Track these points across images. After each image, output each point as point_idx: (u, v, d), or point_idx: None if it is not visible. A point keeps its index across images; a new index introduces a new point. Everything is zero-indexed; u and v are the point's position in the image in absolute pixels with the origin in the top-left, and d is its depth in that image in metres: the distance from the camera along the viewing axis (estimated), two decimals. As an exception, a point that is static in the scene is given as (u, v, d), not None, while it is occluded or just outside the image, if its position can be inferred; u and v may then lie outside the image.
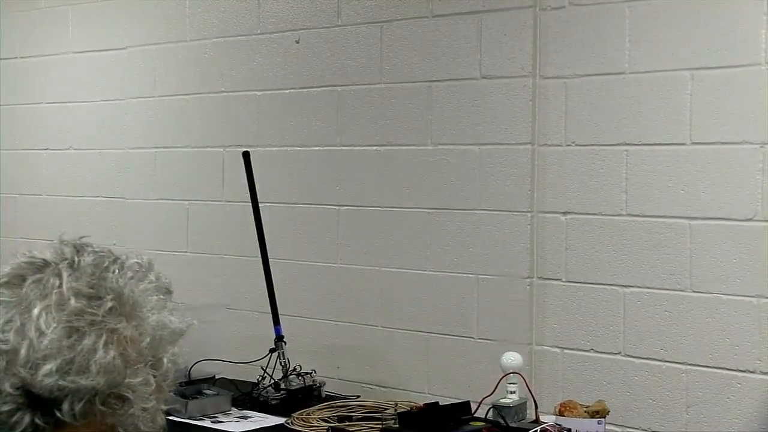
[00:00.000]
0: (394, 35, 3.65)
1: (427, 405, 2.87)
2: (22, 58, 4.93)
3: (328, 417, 3.03)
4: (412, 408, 2.98)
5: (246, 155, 3.55)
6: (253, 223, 3.53)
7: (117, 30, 4.50)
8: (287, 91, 3.95)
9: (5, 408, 1.22)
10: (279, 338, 3.40)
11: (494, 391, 2.84)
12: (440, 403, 2.89)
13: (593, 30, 3.25)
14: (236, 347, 3.63)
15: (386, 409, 3.05)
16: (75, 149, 4.71)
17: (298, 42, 3.89)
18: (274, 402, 3.23)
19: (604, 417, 2.84)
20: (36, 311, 1.23)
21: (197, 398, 3.17)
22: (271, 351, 3.37)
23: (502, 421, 2.80)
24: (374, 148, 3.73)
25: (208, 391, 3.25)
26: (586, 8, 3.26)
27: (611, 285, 3.24)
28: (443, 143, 3.55)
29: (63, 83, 4.76)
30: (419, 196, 3.62)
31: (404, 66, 3.64)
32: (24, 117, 4.94)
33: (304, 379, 3.31)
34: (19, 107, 4.97)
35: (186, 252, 4.22)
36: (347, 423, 2.98)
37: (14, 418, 1.23)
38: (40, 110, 4.87)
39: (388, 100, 3.68)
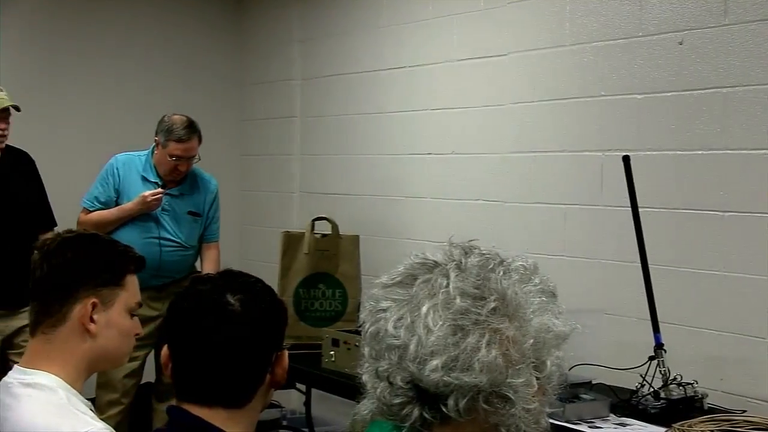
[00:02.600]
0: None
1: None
2: (409, 67, 5.18)
3: (712, 430, 2.89)
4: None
5: (626, 159, 3.49)
6: (632, 228, 3.46)
7: (499, 37, 4.59)
8: (668, 94, 3.82)
9: (397, 401, 1.28)
10: (659, 346, 3.30)
11: None
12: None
13: None
14: (613, 353, 3.57)
15: (776, 427, 2.87)
16: (456, 153, 4.86)
17: (681, 43, 3.75)
18: (654, 411, 3.14)
19: None
20: (424, 309, 1.27)
21: (574, 402, 3.16)
22: (650, 359, 3.29)
23: None
24: (762, 151, 3.51)
25: (585, 396, 3.22)
26: None
27: None
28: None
29: (446, 90, 4.93)
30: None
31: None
32: (409, 123, 5.19)
33: (685, 389, 3.19)
34: (405, 114, 5.22)
35: (563, 256, 4.21)
36: (732, 438, 2.84)
37: (404, 411, 1.28)
38: (425, 116, 5.08)
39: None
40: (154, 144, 4.74)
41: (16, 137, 4.63)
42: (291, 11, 6.07)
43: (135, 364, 4.67)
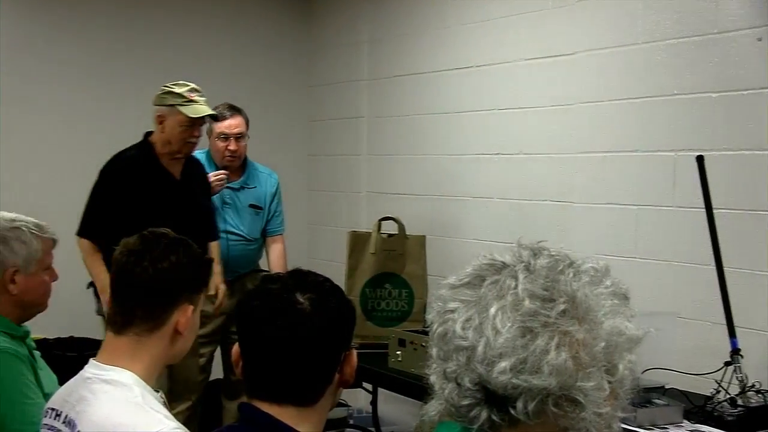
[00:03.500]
0: None
1: None
2: (476, 66, 5.15)
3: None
4: None
5: (700, 159, 3.42)
6: (706, 229, 3.39)
7: (566, 36, 4.55)
8: (745, 93, 3.74)
9: (465, 402, 1.27)
10: (735, 351, 3.23)
11: None
12: None
13: None
14: (686, 358, 3.50)
15: None
16: (524, 153, 4.83)
17: (760, 40, 3.67)
18: (730, 418, 3.07)
19: None
20: (493, 310, 1.26)
21: (647, 407, 3.11)
22: (726, 364, 3.22)
23: None
24: None
25: (658, 401, 3.17)
26: None
27: None
28: None
29: (514, 90, 4.90)
30: None
31: None
32: (477, 123, 5.16)
33: (764, 396, 3.12)
34: (472, 114, 5.19)
35: (634, 257, 4.15)
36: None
37: (473, 413, 1.27)
38: (492, 116, 5.05)
39: None
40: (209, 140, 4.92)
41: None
42: (359, 13, 6.09)
43: (202, 360, 4.73)
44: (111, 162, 4.43)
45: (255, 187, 4.97)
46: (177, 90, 4.34)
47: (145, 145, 4.45)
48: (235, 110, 4.91)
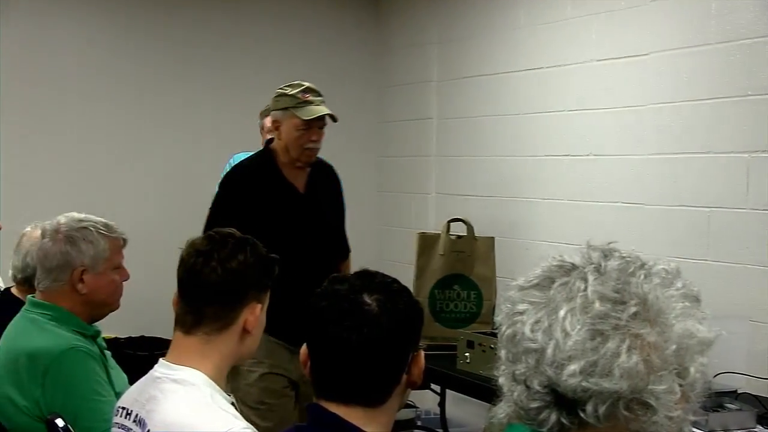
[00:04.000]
0: None
1: None
2: (547, 68, 5.12)
3: None
4: None
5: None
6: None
7: (640, 36, 4.50)
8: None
9: (534, 405, 1.27)
10: (809, 356, 3.16)
11: None
12: None
13: None
14: (759, 362, 3.45)
15: None
16: (595, 155, 4.78)
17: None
18: (804, 424, 3.02)
19: None
20: (562, 313, 1.26)
21: (719, 411, 3.07)
22: (800, 369, 3.16)
23: None
24: None
25: (730, 406, 3.12)
26: None
27: None
28: None
29: (585, 91, 4.85)
30: None
31: None
32: (547, 124, 5.13)
33: None
34: (542, 115, 5.16)
35: (706, 260, 4.09)
36: None
37: (542, 416, 1.27)
38: (563, 117, 5.02)
39: None
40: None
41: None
42: (429, 14, 6.09)
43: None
44: (230, 171, 4.20)
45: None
46: (290, 91, 3.98)
47: (266, 154, 4.10)
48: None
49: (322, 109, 3.96)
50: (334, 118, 4.02)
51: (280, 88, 4.04)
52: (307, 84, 4.01)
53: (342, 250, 4.26)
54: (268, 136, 4.31)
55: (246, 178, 4.03)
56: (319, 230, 4.04)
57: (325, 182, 4.18)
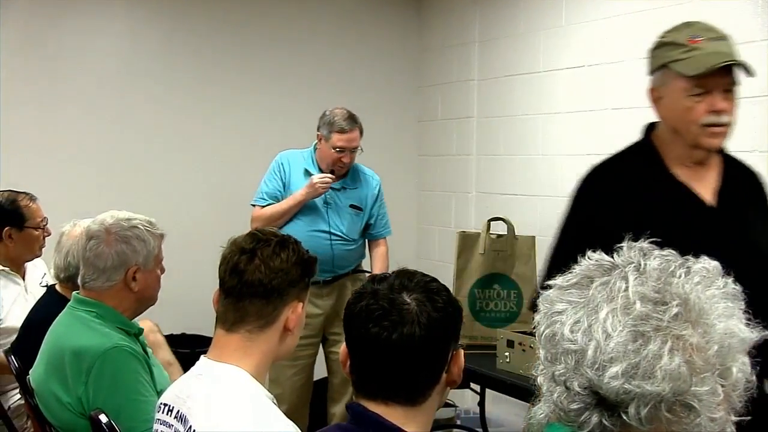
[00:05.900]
0: None
1: None
2: (588, 66, 5.08)
3: None
4: None
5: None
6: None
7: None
8: None
9: (574, 406, 1.25)
10: None
11: None
12: None
13: None
14: None
15: None
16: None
17: None
18: None
19: None
20: (603, 313, 1.24)
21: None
22: None
23: None
24: None
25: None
26: None
27: None
28: None
29: (628, 89, 4.79)
30: None
31: None
32: (588, 123, 5.09)
33: None
34: (584, 113, 5.12)
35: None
36: None
37: (582, 417, 1.25)
38: (604, 116, 4.97)
39: None
40: (316, 141, 4.84)
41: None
42: (470, 13, 6.07)
43: (302, 362, 4.77)
44: (591, 172, 2.90)
45: (356, 188, 4.95)
46: (671, 38, 2.55)
47: (645, 147, 2.74)
48: (353, 122, 4.74)
49: (718, 56, 2.46)
50: (747, 70, 2.51)
51: (659, 38, 2.59)
52: (701, 22, 2.56)
53: None
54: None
55: (616, 184, 2.73)
56: (742, 258, 2.01)
57: (745, 186, 2.71)
